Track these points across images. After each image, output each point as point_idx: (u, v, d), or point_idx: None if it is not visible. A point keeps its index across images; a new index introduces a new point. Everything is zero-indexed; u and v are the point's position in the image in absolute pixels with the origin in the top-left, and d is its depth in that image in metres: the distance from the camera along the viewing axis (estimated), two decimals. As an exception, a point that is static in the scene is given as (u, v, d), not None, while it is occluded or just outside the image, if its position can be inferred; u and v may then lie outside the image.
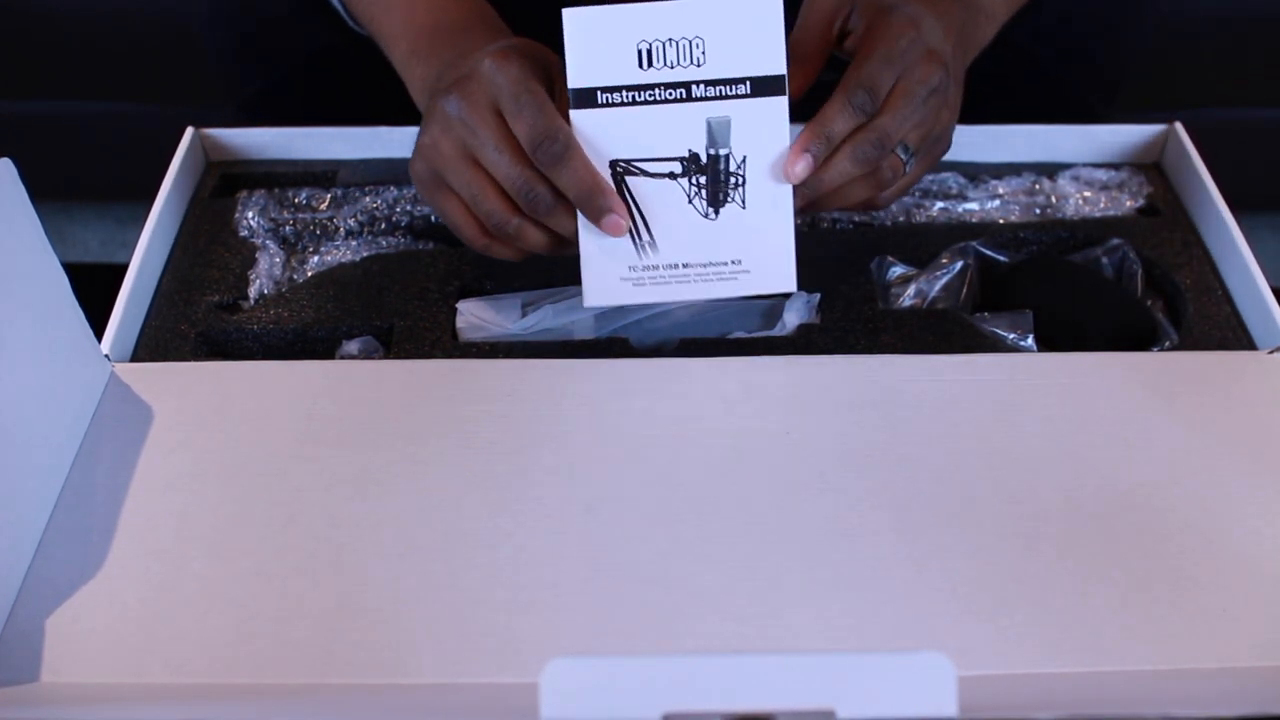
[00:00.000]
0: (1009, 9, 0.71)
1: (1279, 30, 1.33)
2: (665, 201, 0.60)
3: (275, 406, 0.60)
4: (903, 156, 0.61)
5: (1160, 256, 0.70)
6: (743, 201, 0.60)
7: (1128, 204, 0.75)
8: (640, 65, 0.58)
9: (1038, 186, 0.75)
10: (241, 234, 0.72)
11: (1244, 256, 0.67)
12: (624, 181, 0.59)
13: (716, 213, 0.60)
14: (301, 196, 0.75)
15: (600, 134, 0.59)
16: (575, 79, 0.58)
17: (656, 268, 0.61)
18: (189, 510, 0.55)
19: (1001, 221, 0.73)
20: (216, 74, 0.94)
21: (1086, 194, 0.75)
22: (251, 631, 0.50)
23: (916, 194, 0.75)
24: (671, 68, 0.58)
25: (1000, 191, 0.75)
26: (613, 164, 0.59)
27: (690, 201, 0.60)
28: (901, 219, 0.73)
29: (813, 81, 0.62)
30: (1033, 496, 0.55)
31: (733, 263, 0.61)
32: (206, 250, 0.71)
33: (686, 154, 0.59)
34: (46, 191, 0.62)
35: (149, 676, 0.49)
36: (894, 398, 0.60)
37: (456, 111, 0.58)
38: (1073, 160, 0.77)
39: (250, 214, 0.73)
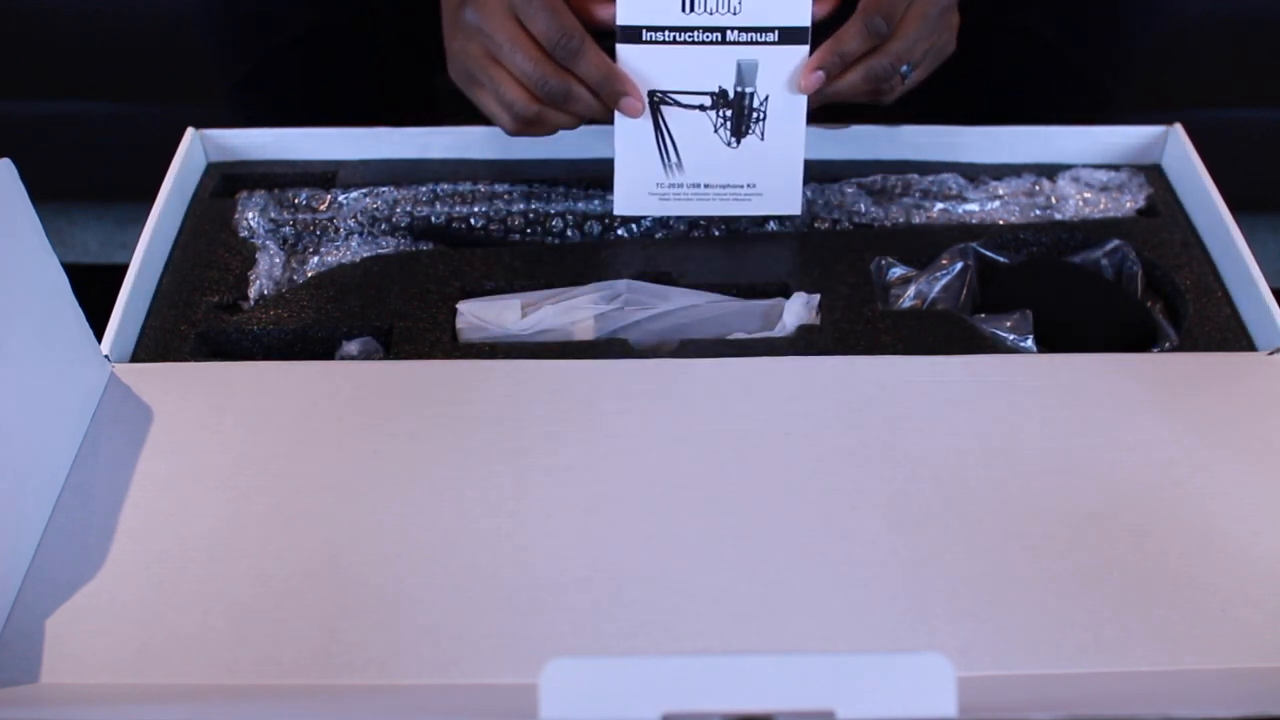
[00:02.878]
0: None
1: (1279, 30, 1.33)
2: (694, 130, 0.68)
3: (275, 406, 0.60)
4: (904, 71, 0.67)
5: (1160, 257, 0.70)
6: (761, 134, 0.68)
7: (1127, 205, 0.75)
8: (683, 9, 0.65)
9: (1037, 187, 0.75)
10: (241, 234, 0.72)
11: (1244, 257, 0.67)
12: (659, 110, 0.67)
13: (738, 142, 0.68)
14: (301, 197, 0.75)
15: (642, 67, 0.66)
16: (624, 17, 0.65)
17: (681, 185, 0.69)
18: (189, 510, 0.55)
19: (1001, 222, 0.73)
20: (208, 57, 0.94)
21: (1086, 195, 0.75)
22: (251, 632, 0.50)
23: (916, 194, 0.75)
24: (710, 14, 0.65)
25: (1000, 192, 0.75)
26: (650, 94, 0.67)
27: (716, 131, 0.68)
28: (901, 220, 0.73)
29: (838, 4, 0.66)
30: (1032, 497, 0.55)
31: (748, 186, 0.69)
32: (206, 250, 0.71)
33: (716, 90, 0.67)
34: (46, 192, 0.62)
35: (149, 676, 0.49)
36: (894, 398, 0.60)
37: (475, 20, 0.65)
38: (1073, 161, 0.77)
39: (250, 214, 0.73)
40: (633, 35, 0.65)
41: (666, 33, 0.65)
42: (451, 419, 0.59)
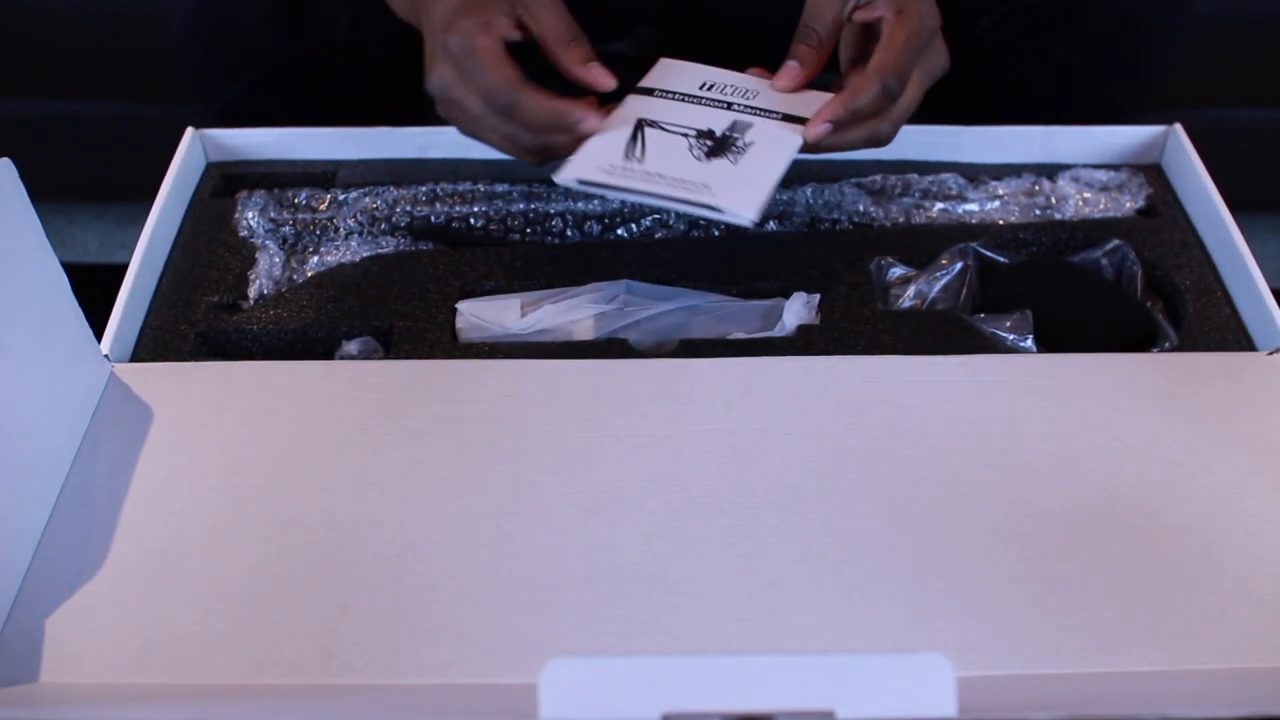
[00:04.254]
0: None
1: (1279, 30, 1.33)
2: (669, 146, 0.64)
3: (275, 406, 0.60)
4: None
5: (1160, 257, 0.70)
6: (735, 161, 0.64)
7: (1127, 205, 0.75)
8: (700, 89, 0.68)
9: (1037, 187, 0.75)
10: (241, 234, 0.72)
11: (1244, 257, 0.67)
12: (643, 128, 0.65)
13: (708, 159, 0.64)
14: (301, 197, 0.75)
15: (642, 109, 0.66)
16: (644, 83, 0.68)
17: (633, 171, 0.63)
18: (189, 510, 0.55)
19: (1001, 222, 0.73)
20: (192, 83, 0.94)
21: (1086, 195, 0.75)
22: (251, 631, 0.50)
23: (916, 194, 0.75)
24: (724, 93, 0.67)
25: (1000, 192, 0.75)
26: (640, 121, 0.65)
27: (690, 151, 0.64)
28: (901, 220, 0.73)
29: (825, 62, 0.66)
30: (1032, 497, 0.55)
31: (703, 185, 0.62)
32: (206, 250, 0.71)
33: (705, 128, 0.65)
34: (46, 192, 0.62)
35: (149, 676, 0.49)
36: (894, 398, 0.60)
37: (440, 91, 0.65)
38: (1072, 161, 0.77)
39: (250, 214, 0.73)
40: (644, 92, 0.67)
41: (678, 95, 0.67)
42: (451, 419, 0.59)
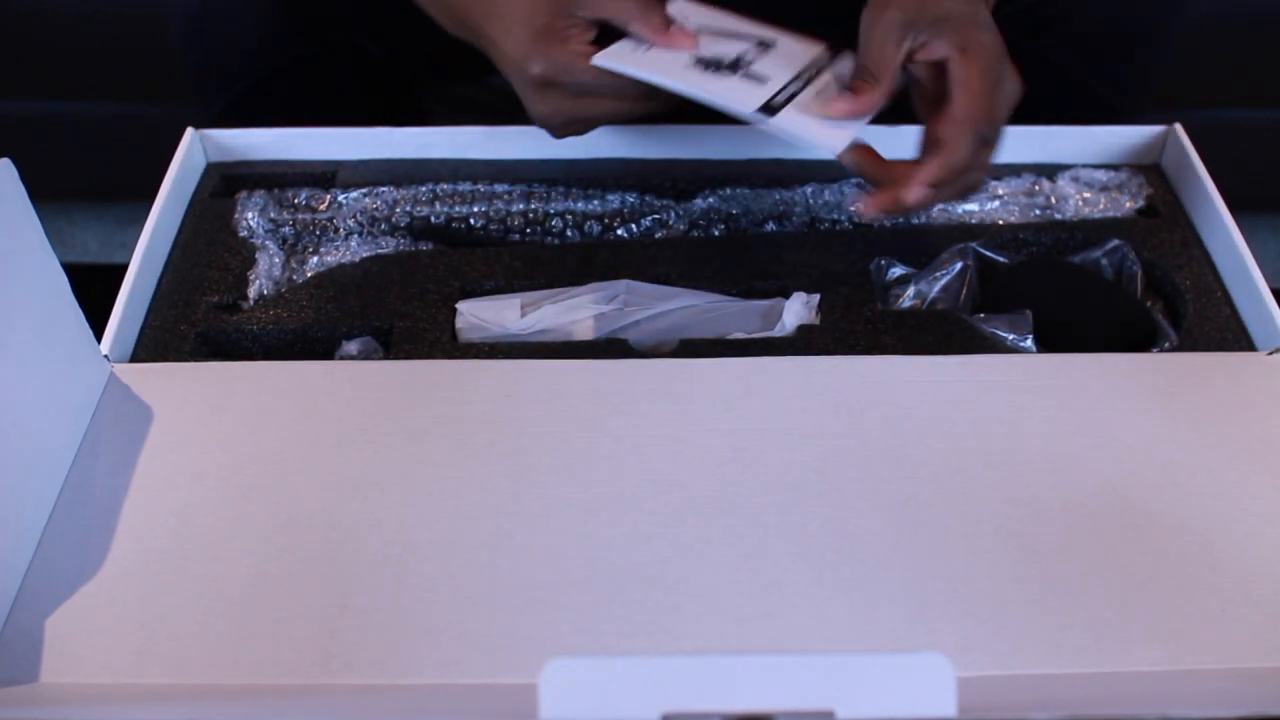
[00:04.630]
0: None
1: (1279, 30, 1.33)
2: (682, 55, 0.66)
3: (275, 406, 0.60)
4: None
5: (1160, 257, 0.70)
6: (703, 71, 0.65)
7: (1127, 205, 0.75)
8: (806, 56, 0.68)
9: (1037, 187, 0.75)
10: (241, 234, 0.72)
11: (1244, 257, 0.67)
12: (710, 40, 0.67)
13: (674, 55, 0.66)
14: (301, 197, 0.75)
15: (745, 43, 0.68)
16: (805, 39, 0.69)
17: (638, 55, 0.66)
18: (189, 510, 0.55)
19: (1001, 222, 0.73)
20: (192, 83, 0.94)
21: (1086, 195, 0.75)
22: (251, 631, 0.50)
23: (916, 194, 0.75)
24: (807, 61, 0.67)
25: (1000, 192, 0.75)
26: (718, 33, 0.68)
27: (686, 60, 0.65)
28: (901, 219, 0.73)
29: (885, 102, 0.63)
30: (1032, 497, 0.55)
31: (620, 54, 0.65)
32: (206, 250, 0.71)
33: (733, 58, 0.66)
34: (46, 192, 0.62)
35: (149, 676, 0.49)
36: (894, 398, 0.60)
37: (547, 119, 0.67)
38: (1072, 161, 0.77)
39: (250, 214, 0.73)
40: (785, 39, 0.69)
41: (785, 50, 0.68)
42: (451, 419, 0.59)
